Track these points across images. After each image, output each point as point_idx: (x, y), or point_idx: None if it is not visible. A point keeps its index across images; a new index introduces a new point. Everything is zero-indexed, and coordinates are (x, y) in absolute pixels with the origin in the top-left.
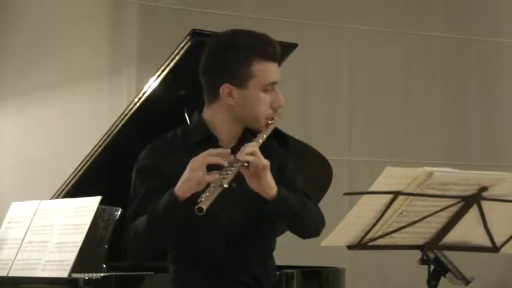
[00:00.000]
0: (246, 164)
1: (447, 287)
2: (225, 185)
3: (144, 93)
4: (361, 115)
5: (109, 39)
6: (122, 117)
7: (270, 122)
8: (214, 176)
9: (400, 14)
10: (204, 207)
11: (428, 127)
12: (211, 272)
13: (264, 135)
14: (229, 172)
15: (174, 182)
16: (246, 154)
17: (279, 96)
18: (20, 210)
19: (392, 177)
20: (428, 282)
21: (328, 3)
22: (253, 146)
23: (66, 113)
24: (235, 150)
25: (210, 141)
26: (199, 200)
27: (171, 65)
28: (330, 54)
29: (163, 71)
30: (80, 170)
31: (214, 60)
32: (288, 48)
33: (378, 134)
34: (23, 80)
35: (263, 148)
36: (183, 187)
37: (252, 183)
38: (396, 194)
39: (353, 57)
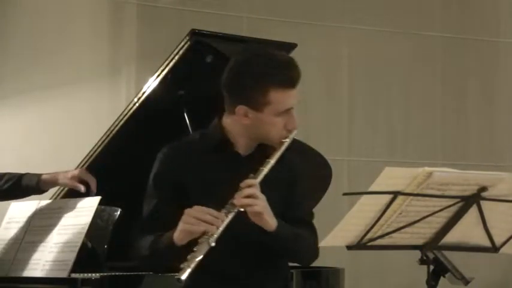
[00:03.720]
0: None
1: (447, 287)
2: (212, 244)
3: (143, 93)
4: (361, 115)
5: (109, 39)
6: (121, 117)
7: (283, 140)
8: (204, 229)
9: (400, 14)
10: (183, 278)
11: (428, 127)
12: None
13: (276, 155)
14: (220, 229)
15: (190, 190)
16: (243, 197)
17: (293, 119)
18: (19, 210)
19: (391, 178)
20: (427, 282)
21: (328, 3)
22: (252, 187)
23: (66, 112)
24: (251, 158)
25: (226, 146)
26: (181, 266)
27: (171, 65)
28: (330, 54)
29: (162, 70)
30: None
31: (233, 82)
32: (287, 48)
33: (378, 134)
34: (22, 80)
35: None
36: (179, 236)
37: (253, 218)
38: (396, 194)
39: (353, 57)
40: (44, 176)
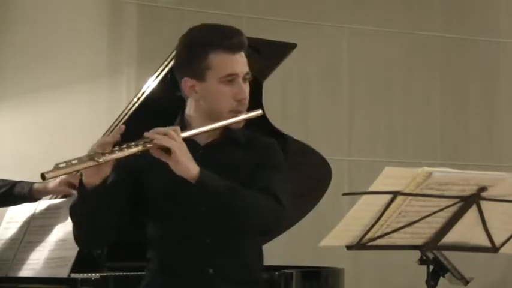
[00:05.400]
0: (150, 145)
1: (446, 287)
2: (99, 160)
3: (143, 93)
4: (361, 115)
5: (108, 39)
6: (121, 117)
7: (234, 114)
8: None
9: (400, 14)
10: (47, 176)
11: (428, 127)
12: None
13: (218, 124)
14: (117, 154)
15: (149, 185)
16: (156, 133)
17: (240, 88)
18: (18, 210)
19: (391, 177)
20: (427, 282)
21: (328, 3)
22: (170, 128)
23: (66, 112)
24: (212, 146)
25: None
26: (58, 165)
27: (171, 65)
28: (330, 54)
29: (162, 71)
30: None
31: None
32: (287, 48)
33: (378, 134)
34: (22, 80)
35: (248, 140)
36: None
37: (173, 166)
38: (395, 194)
39: (353, 57)
40: (35, 185)
